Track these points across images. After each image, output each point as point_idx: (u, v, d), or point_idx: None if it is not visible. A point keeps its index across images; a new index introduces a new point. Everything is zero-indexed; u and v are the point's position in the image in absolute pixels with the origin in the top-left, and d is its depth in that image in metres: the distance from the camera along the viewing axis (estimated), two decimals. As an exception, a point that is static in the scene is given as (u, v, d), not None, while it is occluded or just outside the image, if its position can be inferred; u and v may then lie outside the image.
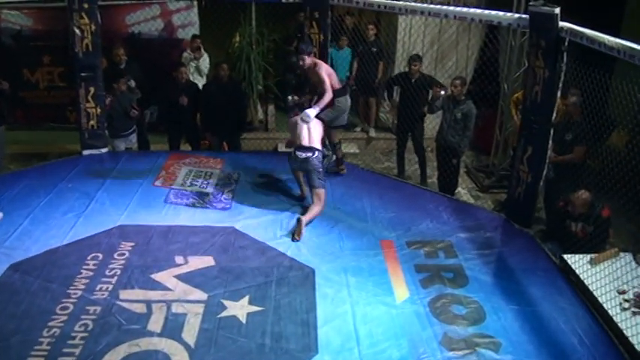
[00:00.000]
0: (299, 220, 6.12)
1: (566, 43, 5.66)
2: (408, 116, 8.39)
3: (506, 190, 7.32)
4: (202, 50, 9.44)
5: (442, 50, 9.68)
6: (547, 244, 6.13)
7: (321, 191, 6.46)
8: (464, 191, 8.68)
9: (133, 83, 8.22)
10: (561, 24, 5.63)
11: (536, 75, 5.99)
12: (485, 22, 6.83)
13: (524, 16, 6.17)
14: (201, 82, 9.43)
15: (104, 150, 7.92)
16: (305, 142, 6.54)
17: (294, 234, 6.04)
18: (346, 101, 7.17)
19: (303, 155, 6.47)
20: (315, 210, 6.36)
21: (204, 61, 9.47)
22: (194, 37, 9.55)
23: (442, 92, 7.92)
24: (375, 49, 9.71)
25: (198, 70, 9.42)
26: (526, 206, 6.43)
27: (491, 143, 9.25)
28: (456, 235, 6.20)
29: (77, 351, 4.35)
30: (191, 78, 9.25)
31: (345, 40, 9.73)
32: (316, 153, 6.49)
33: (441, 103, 7.88)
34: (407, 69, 8.66)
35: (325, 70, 6.86)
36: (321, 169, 6.52)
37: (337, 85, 7.00)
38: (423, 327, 4.76)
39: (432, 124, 8.60)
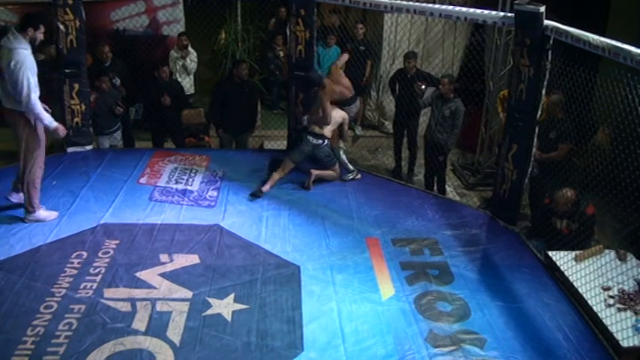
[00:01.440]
0: (310, 173, 6.99)
1: (551, 42, 5.69)
2: (404, 111, 8.45)
3: (491, 188, 7.35)
4: (190, 48, 9.40)
5: (428, 48, 9.70)
6: (532, 241, 6.16)
7: (336, 167, 7.22)
8: (449, 189, 8.71)
9: (118, 81, 8.17)
10: (546, 22, 5.66)
11: (522, 73, 6.01)
12: (470, 21, 6.85)
13: (509, 14, 6.18)
14: (185, 80, 9.39)
15: (89, 147, 7.84)
16: (317, 130, 7.08)
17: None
18: (356, 107, 7.82)
19: (315, 141, 7.04)
20: (330, 173, 7.17)
21: (192, 60, 9.42)
22: (181, 34, 9.50)
23: (423, 87, 7.97)
24: (362, 48, 9.72)
25: (185, 68, 9.37)
26: (511, 204, 6.46)
27: (477, 141, 9.29)
28: (442, 232, 6.22)
29: (61, 350, 4.31)
30: (177, 76, 9.20)
31: (334, 39, 9.74)
32: (326, 141, 7.08)
33: (429, 99, 7.91)
34: (391, 66, 8.68)
35: (329, 97, 7.12)
36: (329, 154, 7.14)
37: (348, 93, 7.40)
38: (408, 324, 4.77)
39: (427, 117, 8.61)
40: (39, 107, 5.68)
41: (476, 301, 5.08)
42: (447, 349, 4.51)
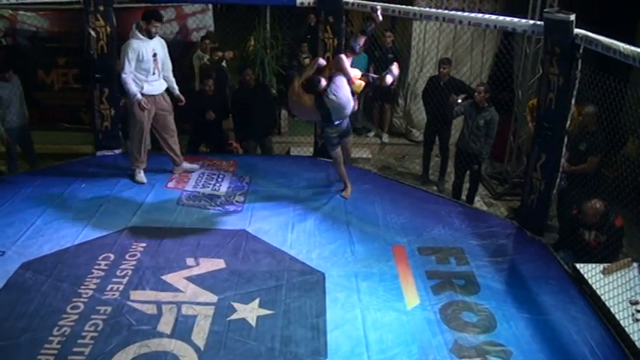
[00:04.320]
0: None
1: (580, 50, 5.63)
2: (436, 118, 8.42)
3: (519, 198, 7.28)
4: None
5: (457, 56, 9.66)
6: (559, 253, 6.09)
7: (332, 154, 6.82)
8: (477, 198, 8.65)
9: None
10: (576, 31, 5.60)
11: (551, 82, 5.95)
12: (499, 29, 6.81)
13: (538, 22, 6.14)
14: None
15: (118, 151, 7.96)
16: None
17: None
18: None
19: None
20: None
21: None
22: (205, 37, 9.50)
23: (459, 100, 7.92)
24: (391, 56, 9.70)
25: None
26: (539, 214, 6.39)
27: (505, 150, 9.21)
28: (468, 241, 6.17)
29: (87, 350, 4.36)
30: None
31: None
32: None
33: (462, 109, 7.86)
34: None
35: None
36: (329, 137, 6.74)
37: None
38: (433, 334, 4.74)
39: (458, 125, 8.57)
40: (128, 84, 6.68)
41: (502, 313, 5.02)
42: (471, 360, 4.48)
